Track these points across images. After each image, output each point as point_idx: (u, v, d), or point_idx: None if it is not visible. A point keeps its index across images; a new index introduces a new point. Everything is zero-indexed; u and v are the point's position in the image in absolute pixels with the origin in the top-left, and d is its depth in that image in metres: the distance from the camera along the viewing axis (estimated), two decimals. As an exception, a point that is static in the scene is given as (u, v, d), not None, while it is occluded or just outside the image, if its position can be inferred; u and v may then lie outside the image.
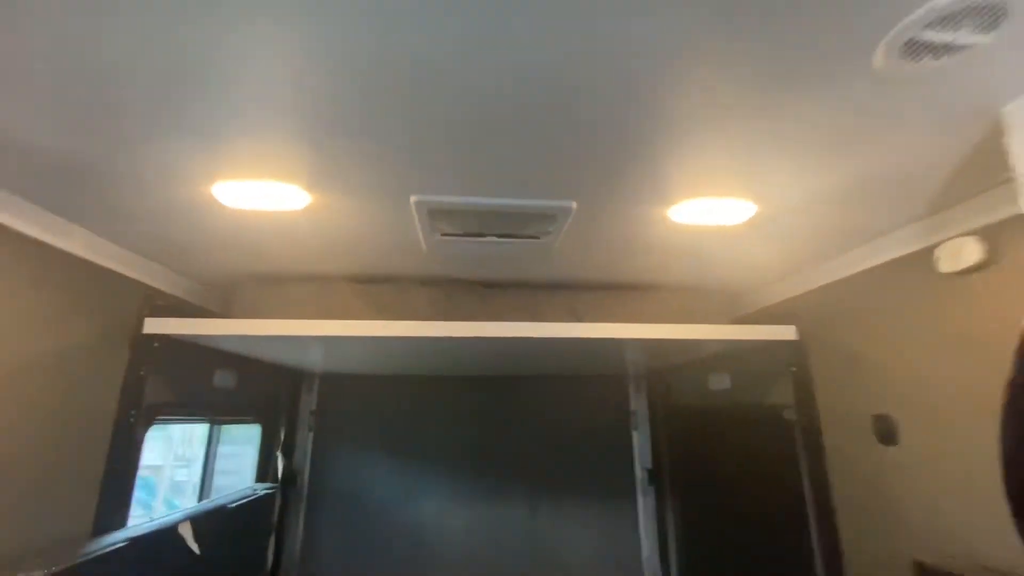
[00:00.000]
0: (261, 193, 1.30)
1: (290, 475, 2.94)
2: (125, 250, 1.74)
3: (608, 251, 1.79)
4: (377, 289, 2.12)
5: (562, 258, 1.85)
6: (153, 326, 1.77)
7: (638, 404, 3.28)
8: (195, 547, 1.83)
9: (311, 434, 3.07)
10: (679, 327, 1.87)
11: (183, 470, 3.84)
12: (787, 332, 1.96)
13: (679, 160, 1.16)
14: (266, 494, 2.59)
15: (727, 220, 1.45)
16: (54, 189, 1.29)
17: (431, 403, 3.12)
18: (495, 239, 1.62)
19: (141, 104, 0.95)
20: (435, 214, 1.43)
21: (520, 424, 3.13)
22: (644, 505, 3.08)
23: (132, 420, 1.77)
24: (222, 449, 3.01)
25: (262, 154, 1.15)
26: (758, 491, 2.27)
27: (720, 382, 2.59)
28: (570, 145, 1.10)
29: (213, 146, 1.11)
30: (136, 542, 1.56)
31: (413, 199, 1.33)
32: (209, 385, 2.31)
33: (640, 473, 3.15)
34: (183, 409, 2.17)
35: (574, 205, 1.36)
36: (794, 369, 1.99)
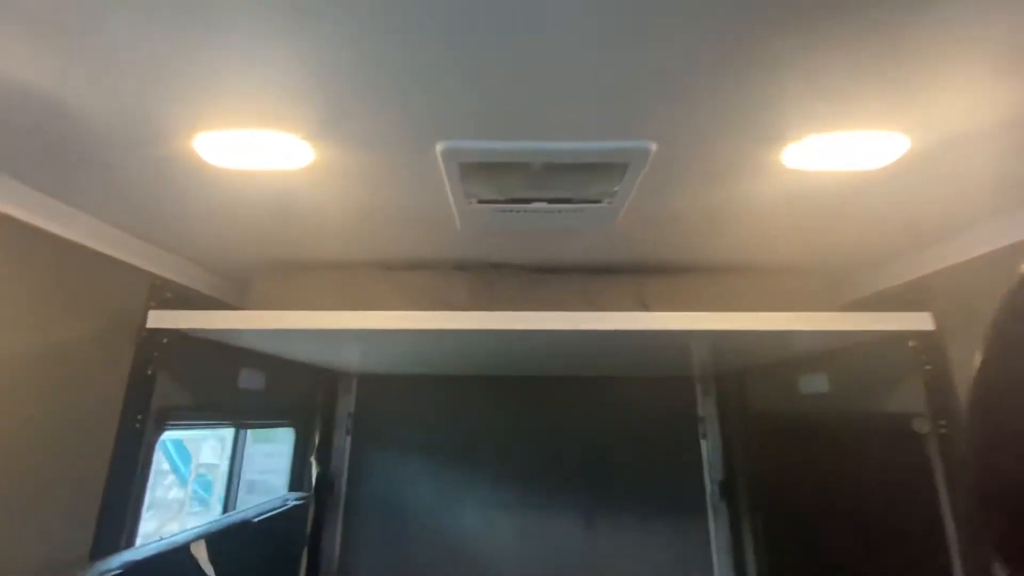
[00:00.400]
0: (252, 145, 1.03)
1: (326, 482, 2.75)
2: (126, 234, 1.54)
3: (689, 220, 1.42)
4: (407, 276, 1.84)
5: (628, 232, 1.50)
6: (157, 320, 1.56)
7: (707, 409, 2.91)
8: (210, 570, 1.61)
9: (349, 438, 2.88)
10: (777, 316, 1.49)
11: (237, 467, 3.93)
12: (919, 321, 1.53)
13: (803, 68, 0.81)
14: (297, 504, 2.38)
15: (864, 163, 1.06)
16: (19, 153, 1.09)
17: (478, 406, 2.88)
18: (545, 206, 1.30)
19: (105, 23, 0.70)
20: (468, 171, 1.13)
21: (574, 429, 2.85)
22: (716, 522, 2.73)
23: (139, 425, 1.58)
24: (264, 448, 2.91)
25: (249, 92, 0.89)
26: (871, 518, 1.86)
27: (815, 384, 2.17)
28: (652, 56, 0.77)
29: (191, 83, 0.86)
30: (134, 568, 1.34)
31: (439, 147, 1.03)
32: (233, 386, 2.12)
33: (710, 486, 2.78)
34: (202, 412, 1.98)
35: (653, 147, 1.01)
36: (928, 367, 1.56)
